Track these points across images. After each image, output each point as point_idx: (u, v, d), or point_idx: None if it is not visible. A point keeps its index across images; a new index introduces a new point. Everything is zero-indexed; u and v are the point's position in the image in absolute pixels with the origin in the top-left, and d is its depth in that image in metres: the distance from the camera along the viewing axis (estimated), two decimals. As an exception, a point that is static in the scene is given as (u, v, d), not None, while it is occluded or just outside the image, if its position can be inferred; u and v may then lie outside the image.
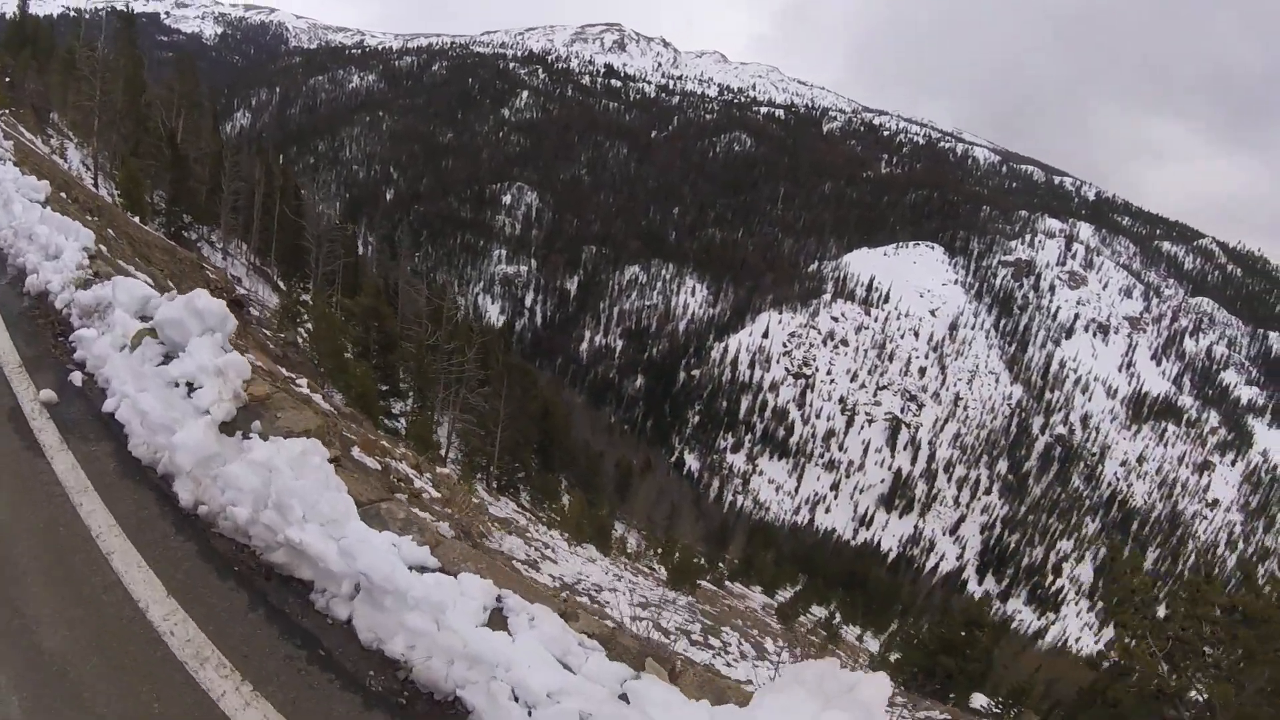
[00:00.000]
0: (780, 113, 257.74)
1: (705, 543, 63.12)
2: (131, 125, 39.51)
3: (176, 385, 5.28)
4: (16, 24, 66.45)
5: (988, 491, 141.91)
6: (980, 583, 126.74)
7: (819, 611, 54.87)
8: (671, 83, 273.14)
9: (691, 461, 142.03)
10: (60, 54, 45.72)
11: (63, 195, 12.23)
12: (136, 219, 24.94)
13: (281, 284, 41.21)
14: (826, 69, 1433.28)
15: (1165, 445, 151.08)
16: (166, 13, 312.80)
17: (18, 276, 7.70)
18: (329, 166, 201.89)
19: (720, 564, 56.65)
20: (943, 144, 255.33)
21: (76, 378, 5.79)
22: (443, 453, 31.09)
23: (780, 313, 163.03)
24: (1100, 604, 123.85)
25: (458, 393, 34.76)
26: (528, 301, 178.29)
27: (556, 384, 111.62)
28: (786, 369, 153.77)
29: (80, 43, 41.57)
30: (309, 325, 30.48)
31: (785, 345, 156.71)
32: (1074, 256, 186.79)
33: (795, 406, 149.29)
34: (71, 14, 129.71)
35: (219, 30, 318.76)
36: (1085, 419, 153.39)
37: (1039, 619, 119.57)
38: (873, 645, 48.64)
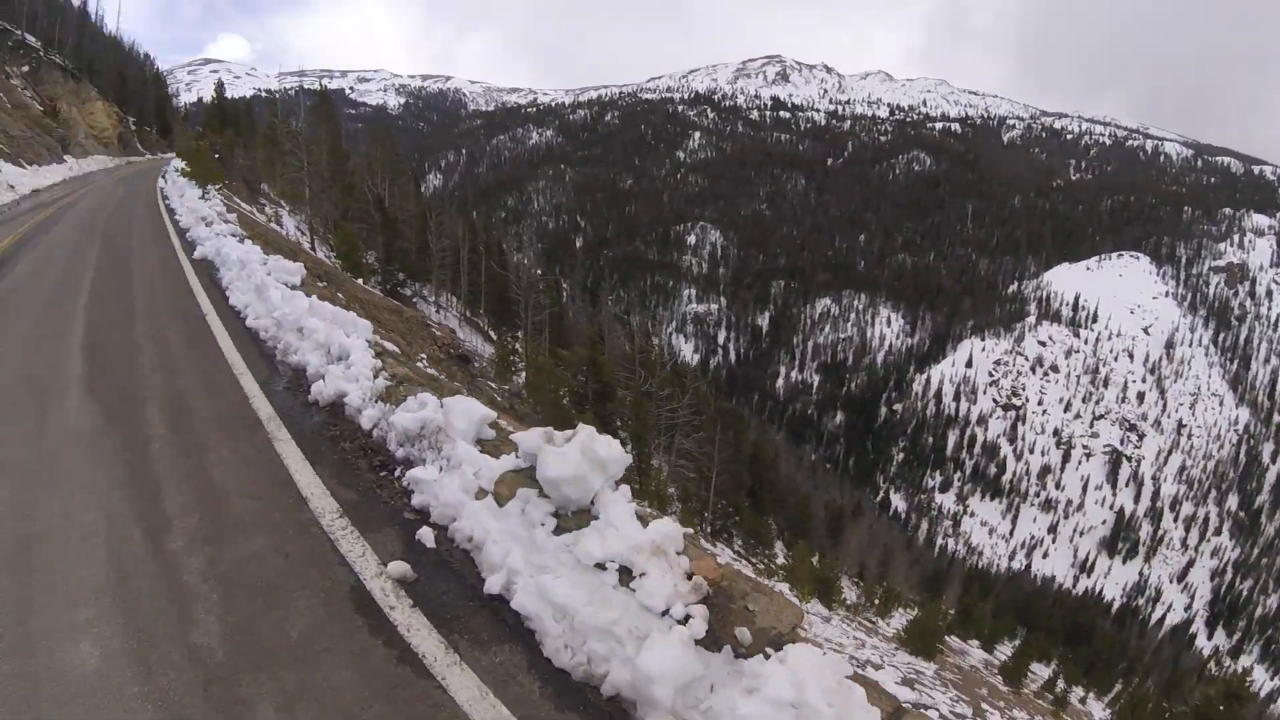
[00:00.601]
0: (956, 126, 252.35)
1: (918, 590, 61.11)
2: (339, 192, 41.50)
3: (601, 568, 3.85)
4: (215, 106, 74.95)
5: (1217, 532, 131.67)
6: (1210, 636, 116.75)
7: (1040, 669, 52.52)
8: (840, 108, 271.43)
9: (898, 502, 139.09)
10: (262, 131, 49.15)
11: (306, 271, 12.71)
12: (359, 280, 27.65)
13: (493, 334, 42.89)
14: (992, 74, 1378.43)
15: None
16: (351, 87, 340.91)
17: (295, 380, 7.07)
18: (519, 219, 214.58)
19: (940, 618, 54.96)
20: (1130, 142, 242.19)
21: (427, 536, 4.49)
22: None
23: (983, 339, 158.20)
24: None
25: (672, 439, 34.74)
26: (720, 339, 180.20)
27: (760, 425, 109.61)
28: (994, 400, 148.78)
29: (279, 119, 46.22)
30: (523, 374, 31.31)
31: (991, 374, 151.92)
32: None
33: (1006, 441, 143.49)
34: (264, 94, 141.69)
35: (401, 100, 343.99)
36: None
37: (1273, 679, 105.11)
38: (1096, 709, 45.99)
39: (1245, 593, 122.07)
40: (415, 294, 39.68)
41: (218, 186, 27.69)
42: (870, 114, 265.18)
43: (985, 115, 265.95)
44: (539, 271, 53.33)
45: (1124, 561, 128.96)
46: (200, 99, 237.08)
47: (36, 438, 5.83)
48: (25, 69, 62.20)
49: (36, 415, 6.25)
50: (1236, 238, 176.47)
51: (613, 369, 33.59)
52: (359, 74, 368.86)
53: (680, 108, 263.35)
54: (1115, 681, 61.37)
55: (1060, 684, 41.40)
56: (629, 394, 32.41)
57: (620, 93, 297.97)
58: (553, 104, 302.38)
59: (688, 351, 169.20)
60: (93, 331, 9.02)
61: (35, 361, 7.76)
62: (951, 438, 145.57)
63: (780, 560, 37.54)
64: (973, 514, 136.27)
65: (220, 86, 79.54)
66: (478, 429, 5.30)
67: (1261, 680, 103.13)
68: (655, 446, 33.56)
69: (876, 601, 39.73)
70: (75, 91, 67.22)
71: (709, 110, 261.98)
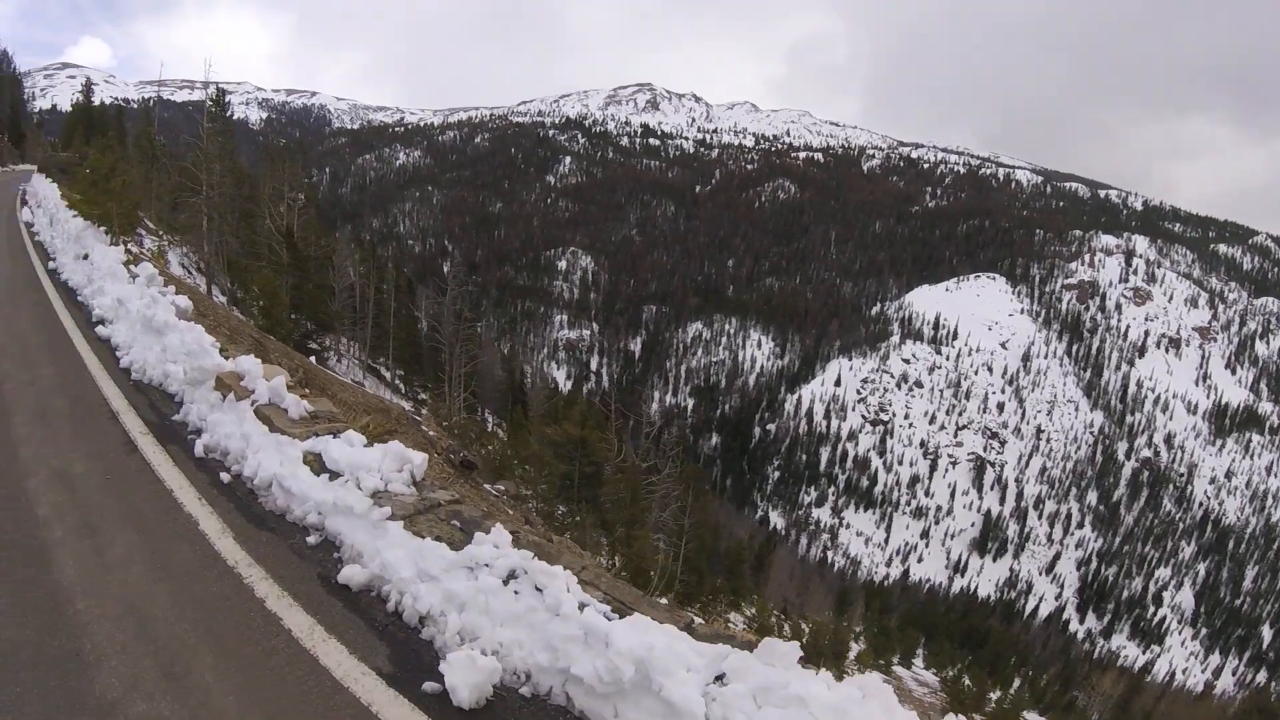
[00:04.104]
0: (819, 156, 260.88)
1: (832, 613, 61.41)
2: (236, 220, 35.08)
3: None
4: (81, 113, 67.24)
5: (1080, 525, 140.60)
6: (1082, 621, 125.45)
7: (933, 675, 51.97)
8: (708, 136, 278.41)
9: (776, 519, 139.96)
10: (136, 143, 42.76)
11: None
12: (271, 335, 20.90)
13: (401, 386, 39.36)
14: (851, 106, 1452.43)
15: (1252, 456, 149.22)
16: (209, 98, 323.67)
17: (328, 558, 4.89)
18: (385, 242, 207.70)
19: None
20: (983, 170, 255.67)
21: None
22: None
23: (850, 359, 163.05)
24: (1204, 631, 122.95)
25: (652, 514, 31.07)
26: (593, 365, 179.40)
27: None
28: (863, 416, 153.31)
29: (152, 128, 42.80)
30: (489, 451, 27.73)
31: (859, 392, 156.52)
32: (1135, 272, 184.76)
33: (876, 454, 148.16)
34: (123, 103, 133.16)
35: (264, 115, 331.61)
36: (1169, 439, 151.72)
37: (1144, 652, 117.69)
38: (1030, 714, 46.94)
39: (1110, 578, 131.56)
40: (329, 348, 35.23)
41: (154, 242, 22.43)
42: (737, 143, 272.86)
43: (846, 145, 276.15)
44: (473, 319, 44.84)
45: (994, 559, 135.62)
46: (55, 106, 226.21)
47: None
48: None
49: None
50: (1087, 257, 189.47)
51: (604, 447, 29.72)
52: (220, 85, 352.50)
53: (551, 132, 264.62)
54: (1013, 676, 62.99)
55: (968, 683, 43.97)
56: (621, 474, 29.38)
57: (491, 115, 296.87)
58: (421, 124, 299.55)
59: (561, 378, 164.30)
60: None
61: None
62: (824, 454, 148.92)
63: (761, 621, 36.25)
64: (848, 526, 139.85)
65: (88, 88, 76.29)
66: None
67: (1135, 655, 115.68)
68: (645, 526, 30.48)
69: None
70: None
71: (580, 135, 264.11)
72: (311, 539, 4.99)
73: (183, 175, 31.58)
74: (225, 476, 5.84)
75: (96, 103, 78.66)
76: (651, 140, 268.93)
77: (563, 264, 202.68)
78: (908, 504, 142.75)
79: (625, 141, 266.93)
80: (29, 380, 8.30)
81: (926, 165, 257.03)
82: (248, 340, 13.99)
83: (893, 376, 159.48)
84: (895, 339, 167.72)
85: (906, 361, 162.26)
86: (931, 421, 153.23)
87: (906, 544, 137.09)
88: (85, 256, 14.16)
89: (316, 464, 5.50)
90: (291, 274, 32.51)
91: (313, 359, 24.94)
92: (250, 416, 6.25)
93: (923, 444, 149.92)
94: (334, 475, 5.31)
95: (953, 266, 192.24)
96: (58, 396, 7.76)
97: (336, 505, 4.96)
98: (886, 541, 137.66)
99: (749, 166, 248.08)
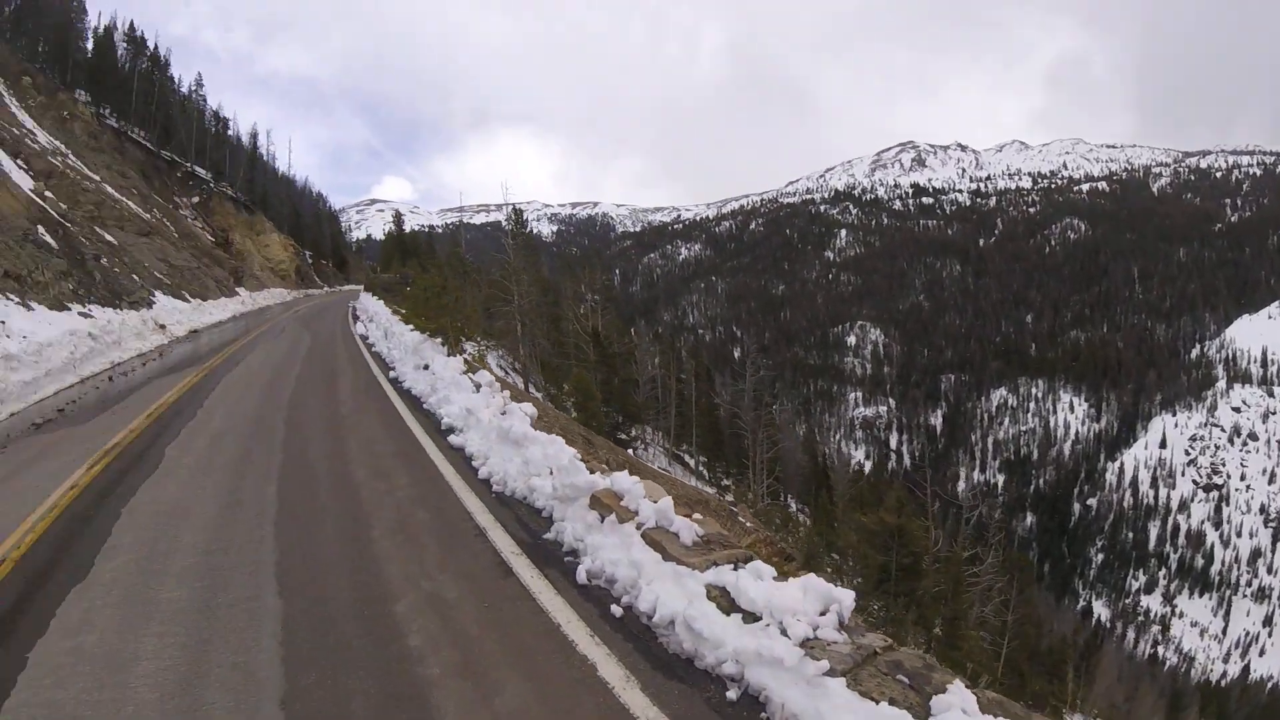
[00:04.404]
0: (1102, 185, 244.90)
1: None
2: (546, 325, 39.35)
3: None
4: (395, 239, 75.12)
5: None
6: None
7: None
8: (981, 184, 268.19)
9: (1100, 609, 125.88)
10: (451, 261, 44.82)
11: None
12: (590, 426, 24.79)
13: (705, 473, 39.43)
14: (1123, 123, 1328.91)
15: None
16: (506, 219, 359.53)
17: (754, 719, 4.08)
18: (677, 333, 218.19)
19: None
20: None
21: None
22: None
23: (1174, 414, 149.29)
24: None
25: (974, 609, 28.17)
26: (893, 442, 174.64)
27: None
28: (1194, 481, 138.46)
29: (460, 248, 46.75)
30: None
31: (1188, 452, 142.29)
32: None
33: (1211, 526, 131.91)
34: (427, 229, 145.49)
35: (554, 228, 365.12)
36: None
37: None
38: None
39: None
40: (638, 437, 36.26)
41: (474, 348, 21.83)
42: (1013, 186, 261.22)
43: (1129, 168, 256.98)
44: (771, 403, 45.35)
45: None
46: (369, 236, 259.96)
47: None
48: (195, 200, 63.13)
49: None
50: None
51: (922, 536, 26.00)
52: (514, 204, 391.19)
53: (822, 207, 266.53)
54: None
55: None
56: (941, 565, 26.12)
57: (761, 200, 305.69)
58: (697, 218, 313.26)
59: (859, 458, 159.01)
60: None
61: None
62: (1153, 530, 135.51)
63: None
64: (1181, 614, 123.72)
65: (399, 218, 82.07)
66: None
67: None
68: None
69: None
70: (249, 224, 68.48)
71: (851, 206, 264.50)
72: (731, 694, 4.23)
73: (494, 288, 35.62)
74: (616, 610, 5.28)
75: (407, 230, 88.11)
76: (924, 199, 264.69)
77: (851, 339, 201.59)
78: (1248, 585, 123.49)
79: (897, 205, 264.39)
80: (386, 489, 8.26)
81: (1219, 174, 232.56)
82: (576, 437, 15.49)
83: (1223, 430, 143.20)
84: (1221, 384, 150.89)
85: (1236, 410, 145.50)
86: (1271, 480, 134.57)
87: (1247, 634, 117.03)
88: (425, 367, 14.85)
89: (723, 599, 4.91)
90: (599, 370, 35.41)
91: (630, 450, 27.56)
92: (639, 542, 5.81)
93: (1263, 509, 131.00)
94: (748, 615, 4.68)
95: (1270, 288, 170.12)
96: (418, 508, 7.59)
97: (760, 655, 4.23)
98: (1224, 632, 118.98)
99: (1030, 210, 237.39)
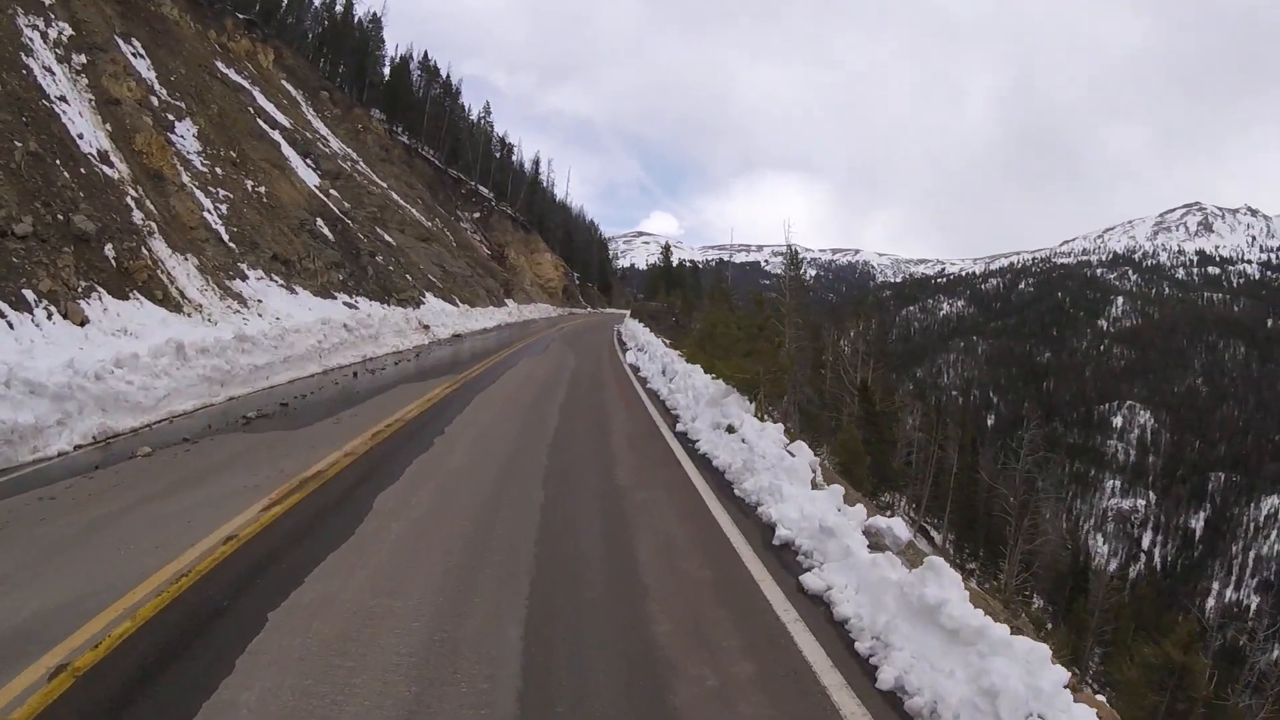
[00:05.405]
0: None
1: None
2: (810, 370, 35.84)
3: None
4: (662, 271, 78.94)
5: None
6: None
7: None
8: (1272, 256, 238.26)
9: None
10: (715, 296, 41.69)
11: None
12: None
13: (951, 552, 36.68)
14: None
15: None
16: (766, 260, 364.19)
17: None
18: (924, 393, 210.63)
19: None
20: None
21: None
22: None
23: None
24: None
25: None
26: (1144, 542, 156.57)
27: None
28: None
29: (726, 283, 46.27)
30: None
31: None
32: None
33: None
34: (689, 264, 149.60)
35: (813, 273, 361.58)
36: None
37: None
38: None
39: None
40: (886, 504, 32.18)
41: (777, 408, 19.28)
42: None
43: None
44: (1039, 483, 38.96)
45: None
46: (633, 265, 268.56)
47: None
48: (476, 215, 67.44)
49: None
50: None
51: (1201, 679, 22.12)
52: (773, 248, 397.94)
53: (1099, 271, 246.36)
54: None
55: None
56: (1212, 713, 22.01)
57: (1033, 259, 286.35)
58: (962, 273, 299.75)
59: (1104, 554, 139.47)
60: None
61: None
62: None
63: None
64: None
65: (668, 249, 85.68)
66: None
67: None
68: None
69: None
70: (525, 241, 72.88)
71: (1130, 271, 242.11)
72: None
73: (762, 327, 30.27)
74: None
75: (674, 262, 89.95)
76: (1210, 269, 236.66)
77: (1118, 420, 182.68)
78: None
79: (1180, 273, 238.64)
80: (717, 685, 3.99)
81: None
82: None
83: None
84: None
85: None
86: None
87: None
88: (730, 429, 10.87)
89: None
90: (863, 427, 32.49)
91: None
92: None
93: None
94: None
95: None
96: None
97: None
98: None
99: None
